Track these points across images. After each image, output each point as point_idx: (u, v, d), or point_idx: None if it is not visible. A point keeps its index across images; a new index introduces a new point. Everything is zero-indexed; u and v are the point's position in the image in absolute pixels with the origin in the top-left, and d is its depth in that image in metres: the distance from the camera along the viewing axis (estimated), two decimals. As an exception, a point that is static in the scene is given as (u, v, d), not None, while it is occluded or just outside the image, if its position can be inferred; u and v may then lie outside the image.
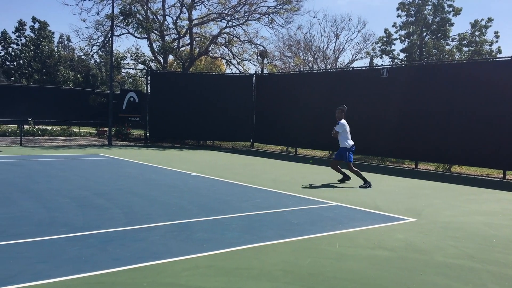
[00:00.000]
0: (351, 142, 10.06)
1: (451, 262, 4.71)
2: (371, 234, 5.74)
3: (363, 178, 9.91)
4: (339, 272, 4.29)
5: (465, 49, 37.09)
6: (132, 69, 28.77)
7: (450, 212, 7.37)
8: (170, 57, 26.67)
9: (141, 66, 27.38)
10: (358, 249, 5.04)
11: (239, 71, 25.12)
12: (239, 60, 25.14)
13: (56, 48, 58.17)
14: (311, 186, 9.59)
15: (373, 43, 37.59)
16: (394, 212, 7.12)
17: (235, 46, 24.91)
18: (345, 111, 10.19)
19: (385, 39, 39.39)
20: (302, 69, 29.57)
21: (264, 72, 24.70)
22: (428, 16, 37.62)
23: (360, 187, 9.72)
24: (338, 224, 6.20)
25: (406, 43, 38.93)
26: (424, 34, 38.16)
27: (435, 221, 6.62)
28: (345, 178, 10.23)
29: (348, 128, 10.09)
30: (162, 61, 25.25)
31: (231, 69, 27.59)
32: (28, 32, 56.13)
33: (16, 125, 22.63)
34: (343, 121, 10.07)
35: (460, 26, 63.83)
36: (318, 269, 4.35)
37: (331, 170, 10.82)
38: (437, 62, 22.59)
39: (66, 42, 60.18)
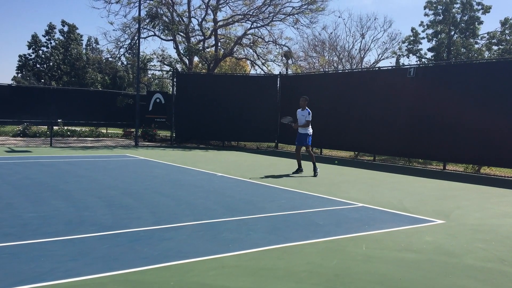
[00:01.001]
0: (311, 129, 11.34)
1: (481, 265, 4.62)
2: (398, 236, 5.67)
3: (314, 164, 11.14)
4: (365, 274, 4.26)
5: (495, 47, 36.19)
6: (158, 70, 29.15)
7: (480, 214, 7.22)
8: (196, 59, 26.89)
9: (167, 68, 27.70)
10: (385, 251, 4.98)
11: (264, 71, 25.12)
12: (263, 61, 25.14)
13: (84, 51, 59.36)
14: (336, 187, 9.52)
15: (399, 42, 37.15)
16: (422, 214, 7.02)
17: (260, 47, 24.93)
18: (308, 101, 11.39)
19: (412, 38, 38.79)
20: (327, 69, 29.40)
21: (289, 72, 24.66)
22: (456, 14, 36.88)
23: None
24: (364, 225, 6.15)
25: (433, 42, 38.23)
26: (452, 32, 37.41)
27: (465, 223, 6.50)
28: (300, 170, 11.25)
29: None
30: (187, 62, 25.49)
31: (256, 70, 27.75)
32: (57, 35, 57.48)
33: (46, 126, 23.18)
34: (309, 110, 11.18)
35: (489, 24, 62.61)
36: (344, 270, 4.32)
37: (357, 171, 10.72)
38: (466, 61, 22.12)
39: (94, 45, 61.39)
